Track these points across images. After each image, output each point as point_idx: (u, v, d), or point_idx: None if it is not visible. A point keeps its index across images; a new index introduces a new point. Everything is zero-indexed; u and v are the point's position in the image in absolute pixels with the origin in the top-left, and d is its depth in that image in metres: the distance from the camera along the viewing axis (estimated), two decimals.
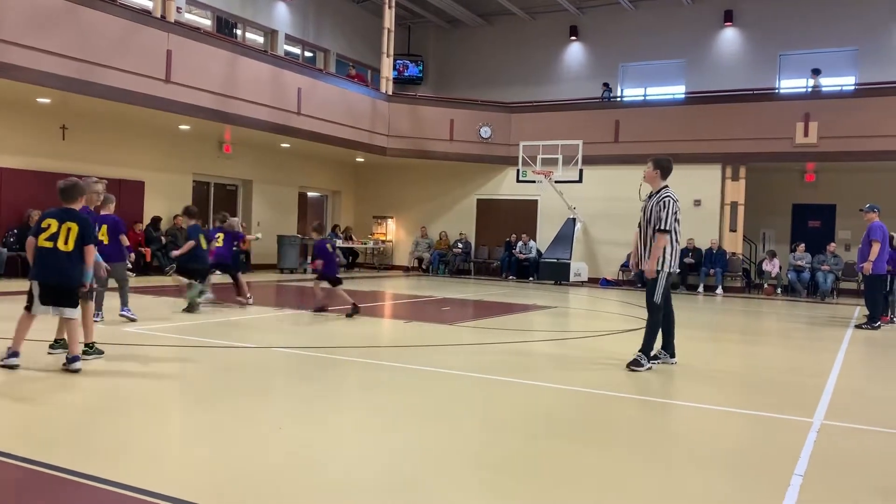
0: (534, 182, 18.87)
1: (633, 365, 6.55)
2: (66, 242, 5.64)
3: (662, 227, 6.53)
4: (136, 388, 5.30)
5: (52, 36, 11.81)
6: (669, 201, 6.60)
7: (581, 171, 18.20)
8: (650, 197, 6.77)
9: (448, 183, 21.61)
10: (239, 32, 20.10)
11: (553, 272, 18.75)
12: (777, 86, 20.37)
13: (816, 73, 19.34)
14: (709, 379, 6.76)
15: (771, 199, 19.33)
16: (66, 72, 12.02)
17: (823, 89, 18.56)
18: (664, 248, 6.60)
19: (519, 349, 7.94)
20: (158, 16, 14.29)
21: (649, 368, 6.56)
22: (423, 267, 21.54)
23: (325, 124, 17.58)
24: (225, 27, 19.55)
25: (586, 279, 18.85)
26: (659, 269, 6.64)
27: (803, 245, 17.59)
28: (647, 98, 21.28)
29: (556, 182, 18.42)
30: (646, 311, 6.90)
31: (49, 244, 5.62)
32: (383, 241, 22.90)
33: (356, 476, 3.56)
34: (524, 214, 20.73)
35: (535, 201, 20.57)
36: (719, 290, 17.60)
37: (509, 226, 20.67)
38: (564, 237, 19.03)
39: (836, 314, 13.46)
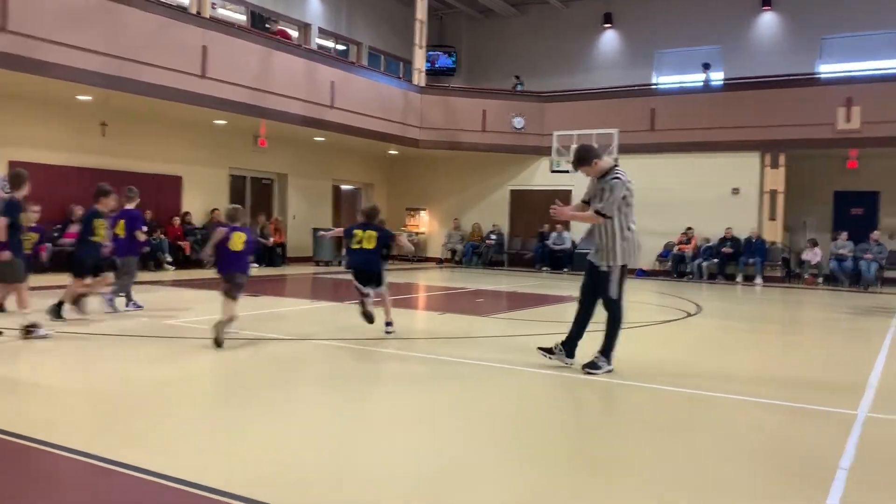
0: (567, 172, 18.64)
1: (590, 367, 5.89)
2: None
3: (601, 210, 5.84)
4: (177, 380, 5.38)
5: (90, 33, 12.01)
6: (617, 183, 5.83)
7: (616, 159, 17.91)
8: (600, 179, 6.01)
9: (481, 174, 21.54)
10: (272, 26, 20.22)
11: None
12: (817, 70, 19.89)
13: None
14: (749, 370, 6.64)
15: (811, 186, 18.90)
16: (105, 69, 12.22)
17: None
18: (618, 241, 5.89)
19: (554, 341, 7.87)
20: (194, 12, 14.44)
21: (609, 371, 5.91)
22: (456, 259, 21.53)
23: (358, 117, 17.64)
24: (259, 22, 19.68)
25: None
26: (611, 263, 5.90)
27: (846, 233, 17.18)
28: (684, 85, 20.93)
29: None
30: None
31: None
32: (416, 234, 22.93)
33: (394, 466, 3.56)
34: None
35: (570, 191, 20.29)
36: (758, 281, 17.29)
37: (543, 216, 20.43)
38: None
39: (879, 304, 13.14)
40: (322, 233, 10.55)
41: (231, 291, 6.94)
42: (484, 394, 5.25)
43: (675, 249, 18.51)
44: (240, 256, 7.11)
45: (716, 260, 17.86)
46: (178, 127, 16.18)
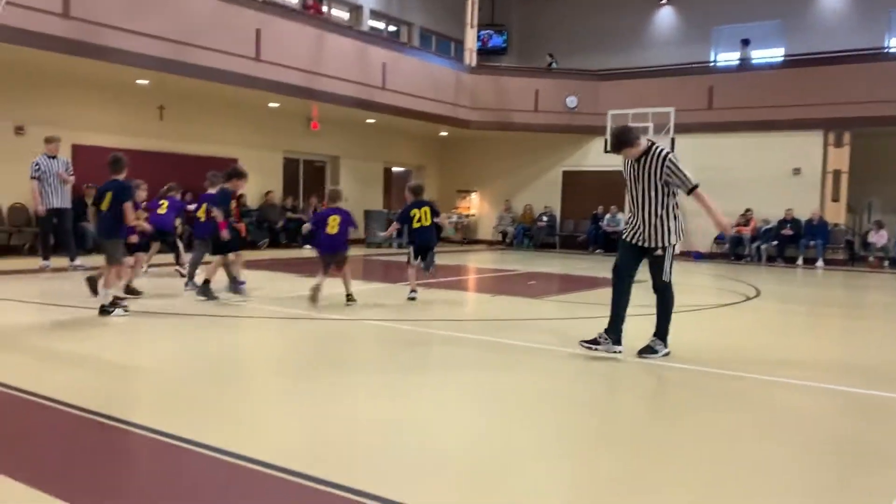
0: None
1: (647, 352, 5.75)
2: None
3: (694, 184, 5.61)
4: (234, 358, 5.48)
5: (148, 18, 12.23)
6: (675, 159, 5.64)
7: (673, 139, 17.58)
8: (637, 161, 5.73)
9: (533, 155, 21.33)
10: (325, 9, 20.29)
11: None
12: (886, 45, 19.07)
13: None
14: (809, 355, 6.44)
15: (878, 166, 18.17)
16: (162, 53, 12.45)
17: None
18: (672, 219, 5.70)
19: (596, 331, 7.77)
20: None
21: (666, 354, 5.77)
22: (508, 241, 21.43)
23: (409, 98, 17.63)
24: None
25: (678, 252, 18.24)
26: (669, 243, 5.73)
27: None
28: (743, 62, 20.31)
29: None
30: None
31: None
32: (467, 216, 22.88)
33: (446, 447, 3.56)
34: (612, 186, 20.17)
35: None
36: (820, 263, 16.77)
37: (596, 198, 20.25)
38: None
39: None
40: (381, 234, 10.79)
41: (334, 268, 8.20)
42: (536, 377, 5.20)
43: (733, 231, 18.06)
44: (335, 238, 8.16)
45: (775, 242, 17.38)
46: (233, 110, 16.41)
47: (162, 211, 9.81)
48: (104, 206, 7.02)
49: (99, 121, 14.20)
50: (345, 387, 4.72)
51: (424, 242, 8.68)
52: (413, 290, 8.76)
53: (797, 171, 17.65)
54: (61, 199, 10.70)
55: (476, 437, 3.78)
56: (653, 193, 5.66)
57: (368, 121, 18.72)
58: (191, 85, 13.94)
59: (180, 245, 10.48)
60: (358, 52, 16.53)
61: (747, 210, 18.01)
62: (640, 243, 5.81)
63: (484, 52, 23.53)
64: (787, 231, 17.30)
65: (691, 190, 5.63)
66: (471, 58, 19.95)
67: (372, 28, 21.19)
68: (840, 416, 4.46)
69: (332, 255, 8.28)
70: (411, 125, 19.31)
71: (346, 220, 8.28)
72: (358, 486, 2.97)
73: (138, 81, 13.74)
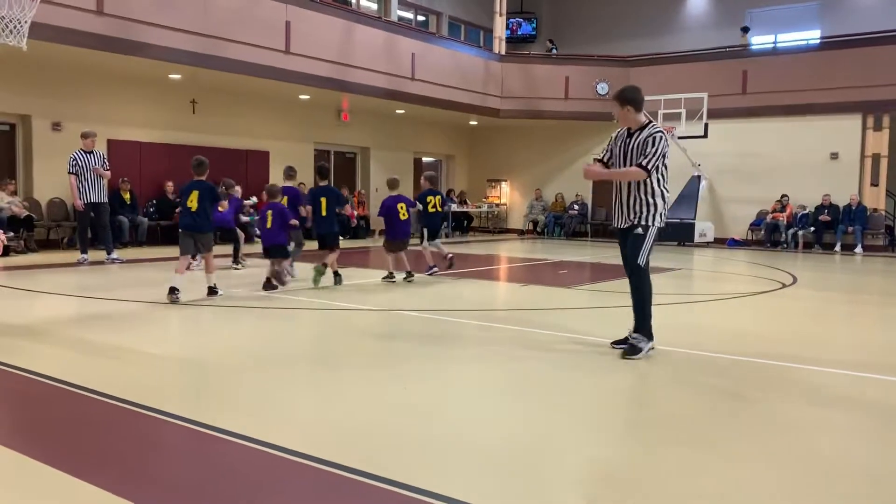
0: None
1: (630, 353, 5.28)
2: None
3: (645, 164, 5.20)
4: (268, 348, 5.54)
5: (179, 13, 12.36)
6: (660, 137, 5.26)
7: (706, 125, 17.34)
8: (630, 135, 5.43)
9: (563, 143, 21.18)
10: (353, 0, 20.33)
11: (676, 233, 18.04)
12: None
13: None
14: (848, 343, 6.32)
15: None
16: (194, 47, 12.58)
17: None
18: (657, 200, 5.32)
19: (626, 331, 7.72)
20: None
21: (651, 350, 5.34)
22: (538, 230, 21.33)
23: (438, 88, 17.60)
24: None
25: (712, 239, 18.07)
26: (646, 223, 5.32)
27: None
28: (778, 45, 19.91)
29: (679, 138, 17.65)
30: (634, 278, 5.46)
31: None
32: (497, 205, 22.82)
33: (476, 437, 3.56)
34: None
35: None
36: (858, 249, 16.42)
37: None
38: (688, 196, 18.26)
39: None
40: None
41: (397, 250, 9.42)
42: (567, 366, 5.18)
43: (769, 218, 17.77)
44: (406, 224, 9.46)
45: (812, 228, 17.07)
46: (264, 103, 16.54)
47: (223, 208, 10.17)
48: (191, 203, 7.70)
49: (133, 116, 14.42)
50: (376, 376, 4.75)
51: (435, 226, 10.07)
52: (433, 266, 9.94)
53: (835, 156, 17.29)
54: (98, 194, 10.89)
55: (505, 426, 3.78)
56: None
57: (398, 111, 18.73)
58: (222, 79, 14.07)
59: (241, 241, 10.80)
60: (387, 42, 16.54)
61: (783, 196, 17.70)
62: (621, 225, 5.51)
63: (513, 40, 23.40)
64: (825, 217, 16.97)
65: (643, 168, 5.20)
66: (500, 46, 19.83)
67: (400, 18, 21.18)
68: (884, 404, 4.37)
69: (403, 240, 9.50)
70: (441, 115, 19.29)
71: (410, 204, 9.59)
72: (387, 474, 2.99)
73: (171, 76, 13.91)
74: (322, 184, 9.26)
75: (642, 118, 5.45)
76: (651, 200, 5.32)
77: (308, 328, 6.60)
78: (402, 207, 9.42)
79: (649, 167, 5.22)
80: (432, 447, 3.44)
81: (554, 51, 21.65)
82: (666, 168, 5.34)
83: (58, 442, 3.43)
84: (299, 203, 9.10)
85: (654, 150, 5.22)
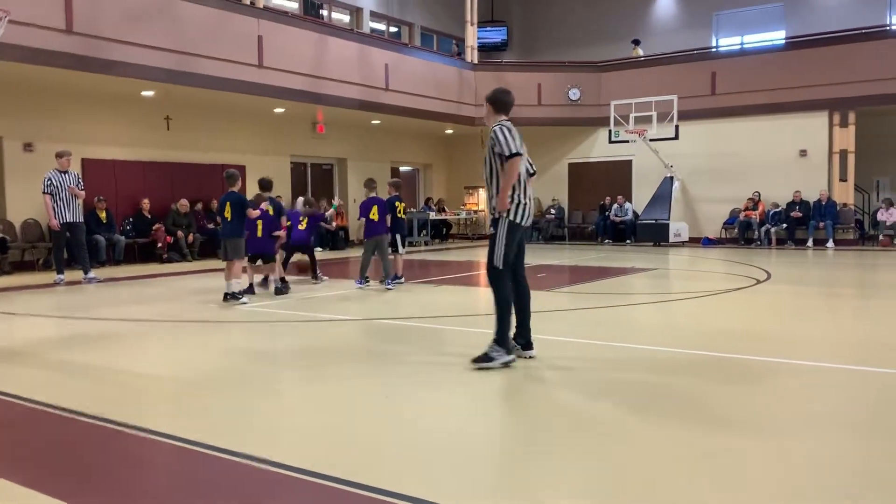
0: (627, 142, 18.41)
1: (482, 361, 5.07)
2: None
3: (508, 153, 5.01)
4: (248, 362, 5.56)
5: (150, 30, 12.34)
6: (498, 130, 5.10)
7: (677, 127, 17.60)
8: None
9: (538, 148, 21.19)
10: (325, 13, 20.40)
11: (651, 234, 18.30)
12: (888, 22, 18.98)
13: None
14: (826, 336, 6.46)
15: (885, 145, 18.12)
16: (166, 63, 12.56)
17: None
18: (512, 199, 5.11)
19: (618, 313, 7.83)
20: (248, 2, 14.68)
21: (509, 363, 5.09)
22: None
23: (413, 98, 17.70)
24: (311, 9, 19.87)
25: (687, 239, 18.31)
26: (503, 215, 5.12)
27: None
28: (745, 46, 20.26)
29: (650, 140, 17.91)
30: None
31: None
32: (475, 212, 22.94)
33: (462, 443, 3.62)
34: (618, 176, 20.27)
35: (630, 161, 20.07)
36: (830, 244, 16.73)
37: (603, 188, 20.28)
38: (662, 197, 18.52)
39: None
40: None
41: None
42: (552, 369, 5.25)
43: (742, 216, 18.04)
44: (378, 224, 9.82)
45: (784, 225, 17.35)
46: (239, 117, 16.52)
47: (302, 227, 10.48)
48: (227, 213, 8.54)
49: (107, 134, 14.34)
50: (362, 386, 4.79)
51: (403, 230, 10.37)
52: (399, 276, 10.17)
53: (804, 153, 17.61)
54: (74, 213, 10.83)
55: (492, 430, 3.84)
56: (494, 169, 5.18)
57: (373, 122, 18.80)
58: (196, 94, 14.05)
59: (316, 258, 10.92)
60: (360, 54, 16.61)
61: (755, 193, 17.98)
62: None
63: (485, 48, 23.56)
64: (797, 213, 17.27)
65: (508, 157, 5.03)
66: (472, 55, 19.98)
67: (373, 30, 21.27)
68: (864, 394, 4.49)
69: (375, 238, 9.80)
70: (416, 124, 19.38)
71: (383, 207, 9.86)
72: (376, 483, 3.04)
73: (144, 93, 13.87)
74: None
75: (498, 119, 5.31)
76: (514, 180, 5.14)
77: (288, 341, 6.62)
78: (374, 210, 9.90)
79: (514, 151, 5.04)
80: (419, 455, 3.49)
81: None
82: (502, 163, 5.07)
83: (41, 465, 3.43)
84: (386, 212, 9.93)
85: (501, 136, 5.08)
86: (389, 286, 9.71)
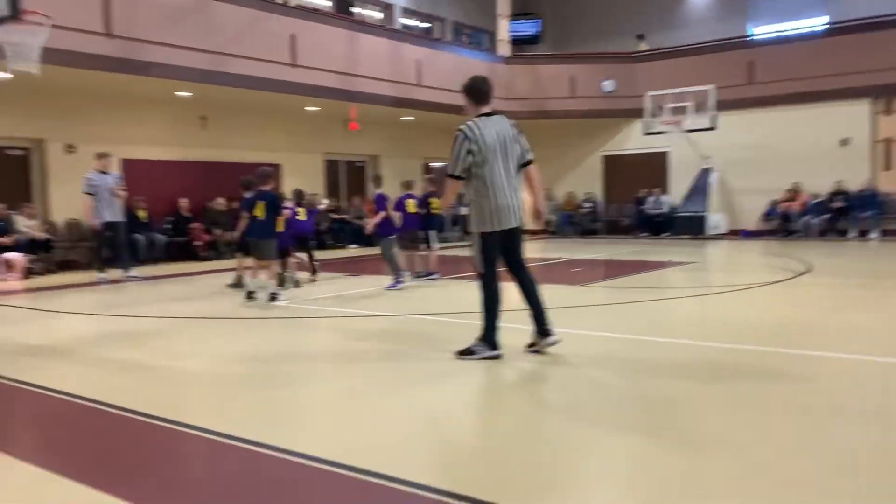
0: (663, 133, 18.17)
1: (464, 353, 5.17)
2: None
3: (449, 172, 5.02)
4: (284, 357, 5.61)
5: (185, 31, 12.52)
6: (458, 136, 4.99)
7: (714, 117, 17.32)
8: None
9: (571, 142, 21.19)
10: (357, 10, 20.46)
11: (688, 226, 18.05)
12: None
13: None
14: (871, 329, 6.31)
15: None
16: (201, 64, 12.73)
17: None
18: (473, 204, 5.07)
19: (656, 307, 7.74)
20: (281, 2, 14.80)
21: (492, 357, 5.12)
22: (550, 229, 21.33)
23: (445, 94, 17.66)
24: (343, 6, 19.95)
25: (725, 231, 18.02)
26: (472, 229, 5.16)
27: None
28: (783, 33, 19.84)
29: (687, 132, 17.65)
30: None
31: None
32: None
33: (495, 440, 3.61)
34: (654, 168, 20.03)
35: (666, 153, 19.82)
36: (874, 235, 16.32)
37: (639, 181, 20.04)
38: (699, 189, 18.25)
39: None
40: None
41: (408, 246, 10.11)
42: (588, 363, 5.21)
43: (781, 207, 17.69)
44: (413, 217, 10.06)
45: (826, 216, 16.98)
46: (273, 116, 16.68)
47: (302, 217, 10.45)
48: (258, 213, 8.33)
49: (145, 135, 14.60)
50: (390, 380, 4.81)
51: (416, 226, 10.30)
52: (433, 272, 10.33)
53: (845, 142, 17.20)
54: (114, 213, 11.04)
55: (523, 425, 3.83)
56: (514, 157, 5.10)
57: (405, 118, 18.83)
58: (230, 94, 14.22)
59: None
60: (392, 50, 16.65)
61: (794, 184, 17.62)
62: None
63: (518, 41, 23.42)
64: (838, 203, 16.88)
65: (447, 175, 5.04)
66: (504, 49, 19.89)
67: (404, 26, 21.29)
68: None
69: (408, 233, 10.06)
70: (448, 120, 19.29)
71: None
72: (409, 477, 3.05)
73: (180, 94, 14.07)
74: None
75: (474, 113, 5.19)
76: (472, 207, 5.11)
77: (321, 336, 6.67)
78: (410, 202, 10.11)
79: (448, 172, 5.05)
80: (450, 450, 3.49)
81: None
82: (485, 162, 4.96)
83: (83, 457, 3.51)
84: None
85: (453, 152, 5.00)
86: (394, 287, 9.39)
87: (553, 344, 5.19)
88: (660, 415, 3.89)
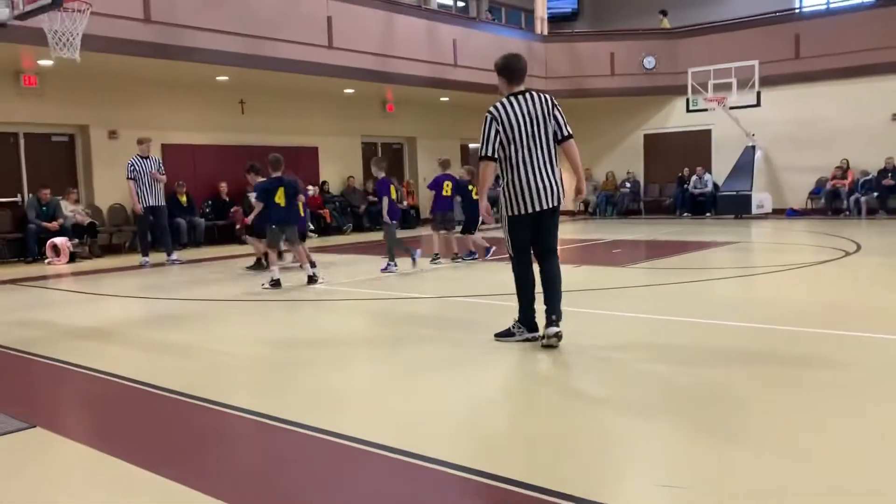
0: (706, 111, 17.77)
1: (502, 336, 5.14)
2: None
3: (481, 154, 4.94)
4: (327, 339, 5.63)
5: (222, 15, 12.57)
6: (486, 117, 4.91)
7: (758, 93, 16.87)
8: None
9: (611, 120, 20.85)
10: None
11: (732, 205, 17.68)
12: None
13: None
14: None
15: None
16: (239, 48, 12.78)
17: None
18: (507, 188, 4.95)
19: (696, 288, 7.58)
20: None
21: (532, 339, 5.03)
22: (590, 210, 21.09)
23: (481, 73, 17.47)
24: None
25: (770, 210, 17.60)
26: (503, 213, 5.05)
27: None
28: (831, 6, 19.20)
29: (730, 108, 17.23)
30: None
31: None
32: None
33: (534, 425, 3.56)
34: (697, 146, 19.62)
35: (709, 131, 19.40)
36: None
37: (681, 160, 19.66)
38: (744, 167, 17.84)
39: None
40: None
41: (440, 227, 10.08)
42: (625, 345, 5.12)
43: (829, 185, 17.20)
44: (447, 200, 10.10)
45: (876, 194, 16.47)
46: (310, 99, 16.71)
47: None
48: (279, 199, 8.16)
49: (185, 119, 14.75)
50: (428, 361, 4.78)
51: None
52: (473, 253, 10.26)
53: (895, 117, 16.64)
54: (156, 198, 11.19)
55: (556, 410, 3.77)
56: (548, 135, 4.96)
57: (442, 99, 18.71)
58: (268, 77, 14.27)
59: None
60: (428, 30, 16.53)
61: (843, 161, 17.11)
62: None
63: (555, 18, 23.06)
64: (889, 181, 16.36)
65: (479, 158, 4.94)
66: (542, 26, 19.61)
67: (440, 5, 21.12)
68: None
69: (443, 214, 10.07)
70: (486, 100, 19.03)
71: (455, 183, 10.08)
72: (450, 459, 3.01)
73: (218, 78, 14.16)
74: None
75: (511, 89, 5.05)
76: (503, 191, 5.00)
77: (361, 318, 6.67)
78: (446, 184, 10.16)
79: (479, 154, 4.93)
80: (489, 432, 3.45)
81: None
82: (513, 144, 4.84)
83: (129, 437, 3.55)
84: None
85: (482, 135, 4.93)
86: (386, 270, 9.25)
87: (554, 336, 4.83)
88: (707, 403, 3.79)
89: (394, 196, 9.42)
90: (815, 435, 3.21)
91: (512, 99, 4.91)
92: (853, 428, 3.28)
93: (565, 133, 4.98)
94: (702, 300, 6.90)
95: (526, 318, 5.09)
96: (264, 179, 8.67)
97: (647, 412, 3.61)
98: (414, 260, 9.67)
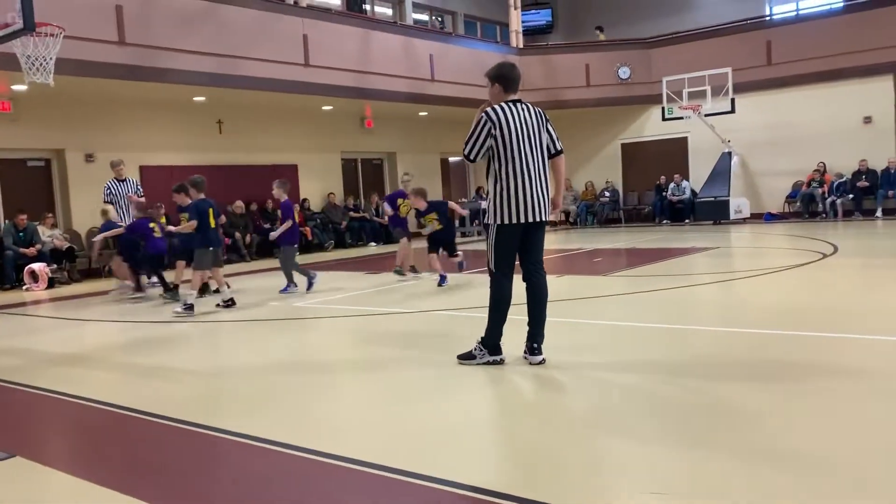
0: (681, 119, 17.96)
1: (465, 357, 4.94)
2: None
3: (465, 153, 4.76)
4: (306, 357, 5.59)
5: (197, 36, 12.56)
6: (481, 118, 4.74)
7: (733, 100, 17.08)
8: None
9: (589, 130, 21.00)
10: (368, 7, 20.43)
11: (711, 211, 17.85)
12: None
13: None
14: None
15: None
16: (214, 68, 12.77)
17: None
18: (492, 191, 4.74)
19: (678, 295, 7.63)
20: (291, 2, 14.80)
21: (494, 362, 4.83)
22: (571, 220, 21.20)
23: (459, 87, 17.59)
24: (354, 4, 19.92)
25: (748, 215, 17.79)
26: (488, 220, 4.80)
27: None
28: (801, 12, 19.51)
29: (706, 116, 17.43)
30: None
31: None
32: None
33: (521, 437, 3.56)
34: (674, 154, 19.82)
35: (685, 139, 19.60)
36: None
37: (658, 168, 19.84)
38: (721, 173, 18.04)
39: None
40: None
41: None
42: (612, 353, 5.14)
43: (804, 188, 17.41)
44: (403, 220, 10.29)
45: (851, 196, 16.69)
46: (288, 117, 16.70)
47: (157, 233, 10.28)
48: (212, 221, 8.35)
49: (162, 141, 14.67)
50: (417, 378, 4.77)
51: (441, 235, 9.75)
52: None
53: (868, 120, 16.90)
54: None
55: (543, 420, 3.77)
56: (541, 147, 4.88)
57: (421, 113, 18.78)
58: (245, 97, 14.25)
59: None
60: (404, 46, 16.60)
61: (819, 164, 17.34)
62: None
63: (530, 31, 23.26)
64: (863, 183, 16.60)
65: (465, 157, 4.80)
66: (517, 40, 19.76)
67: (416, 21, 21.23)
68: None
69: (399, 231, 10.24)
70: (464, 114, 19.19)
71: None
72: (435, 473, 3.01)
73: (195, 98, 14.12)
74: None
75: (497, 99, 4.90)
76: (490, 196, 4.79)
77: (339, 335, 6.64)
78: (403, 204, 10.41)
79: (464, 153, 4.77)
80: (475, 449, 3.44)
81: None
82: (504, 147, 4.68)
83: (115, 465, 3.50)
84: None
85: (469, 134, 4.77)
86: (287, 292, 9.22)
87: (538, 363, 4.75)
88: (690, 411, 3.81)
89: (298, 220, 9.65)
90: (807, 441, 3.24)
91: (510, 106, 4.83)
92: (848, 430, 3.31)
93: (558, 147, 5.00)
94: (683, 306, 6.95)
95: (491, 339, 4.86)
96: (193, 200, 8.52)
97: (632, 423, 3.62)
98: (311, 284, 9.24)
